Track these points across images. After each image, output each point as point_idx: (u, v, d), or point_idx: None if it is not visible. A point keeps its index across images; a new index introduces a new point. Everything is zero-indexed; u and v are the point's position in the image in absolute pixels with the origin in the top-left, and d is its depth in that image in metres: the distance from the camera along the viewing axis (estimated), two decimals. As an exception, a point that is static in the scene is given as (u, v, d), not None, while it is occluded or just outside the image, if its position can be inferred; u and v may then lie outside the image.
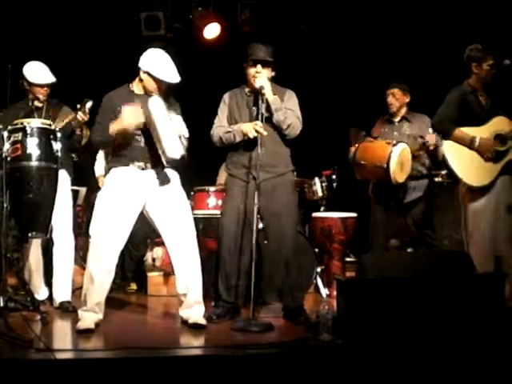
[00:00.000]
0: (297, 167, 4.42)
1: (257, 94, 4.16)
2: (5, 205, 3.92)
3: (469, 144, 4.37)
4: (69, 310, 4.46)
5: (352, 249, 6.04)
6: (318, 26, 6.95)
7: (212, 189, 5.47)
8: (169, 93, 4.11)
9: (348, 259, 5.95)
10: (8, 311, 3.86)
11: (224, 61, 6.48)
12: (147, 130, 3.95)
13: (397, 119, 5.14)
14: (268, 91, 4.13)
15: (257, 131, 4.06)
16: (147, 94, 4.02)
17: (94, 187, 6.24)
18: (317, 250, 5.47)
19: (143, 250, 5.54)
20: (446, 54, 5.82)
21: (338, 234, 5.39)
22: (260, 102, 4.09)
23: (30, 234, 4.11)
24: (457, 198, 4.61)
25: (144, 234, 5.30)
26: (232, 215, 4.23)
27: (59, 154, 4.10)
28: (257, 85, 4.13)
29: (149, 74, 3.99)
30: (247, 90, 4.30)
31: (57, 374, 3.10)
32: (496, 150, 4.35)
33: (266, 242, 4.47)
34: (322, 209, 5.85)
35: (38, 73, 4.50)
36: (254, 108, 4.21)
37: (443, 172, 5.31)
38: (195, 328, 3.94)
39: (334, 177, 5.84)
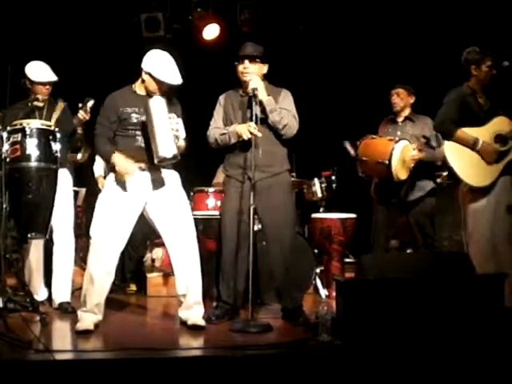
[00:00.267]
0: (296, 168, 4.42)
1: (250, 95, 4.16)
2: (4, 205, 3.92)
3: (471, 145, 4.36)
4: (68, 310, 4.46)
5: (351, 249, 6.04)
6: (318, 26, 6.95)
7: (211, 189, 5.47)
8: (171, 94, 4.11)
9: (347, 260, 5.95)
10: (7, 312, 3.86)
11: (223, 61, 6.48)
12: (146, 130, 3.95)
13: (400, 119, 5.14)
14: (262, 92, 4.12)
15: (251, 133, 4.06)
16: (149, 95, 4.02)
17: (93, 188, 6.25)
18: (316, 250, 5.47)
19: (142, 251, 5.54)
20: (447, 56, 5.81)
21: (337, 234, 5.39)
22: (254, 103, 4.09)
23: (29, 235, 4.11)
24: (457, 199, 4.61)
25: (143, 235, 5.30)
26: (230, 216, 4.23)
27: (58, 154, 4.10)
28: (250, 87, 4.12)
29: (150, 75, 3.99)
30: (241, 91, 4.30)
31: (56, 374, 3.10)
32: (497, 150, 4.35)
33: (264, 242, 4.47)
34: (321, 210, 5.86)
35: (40, 71, 4.52)
36: (249, 109, 4.21)
37: (444, 173, 5.32)
38: (194, 329, 3.94)
39: (333, 178, 5.83)
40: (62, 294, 4.55)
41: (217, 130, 4.29)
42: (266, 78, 4.28)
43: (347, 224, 5.43)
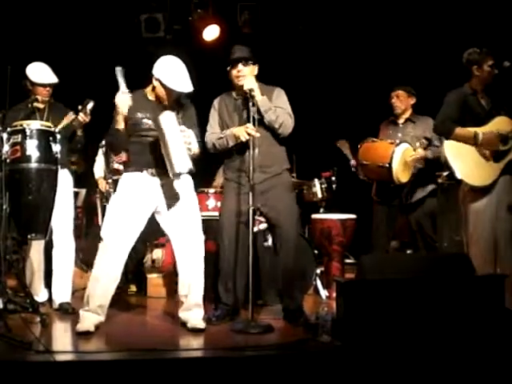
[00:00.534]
0: (296, 169, 4.42)
1: (246, 97, 4.15)
2: (4, 206, 3.92)
3: (472, 140, 4.32)
4: (68, 311, 4.46)
5: (351, 250, 6.04)
6: (317, 27, 6.95)
7: (211, 190, 5.48)
8: (183, 98, 4.09)
9: (347, 261, 5.96)
10: (7, 313, 3.86)
11: (223, 62, 6.49)
12: (158, 143, 3.96)
13: (401, 121, 5.13)
14: (257, 93, 4.13)
15: (249, 134, 4.06)
16: (160, 101, 4.03)
17: (93, 189, 6.25)
18: (316, 251, 5.47)
19: (142, 251, 5.54)
20: (448, 56, 5.81)
21: (337, 235, 5.39)
22: (250, 104, 4.09)
23: (29, 236, 4.11)
24: (458, 199, 4.60)
25: (143, 236, 5.28)
26: (229, 217, 4.24)
27: (59, 155, 4.10)
28: (245, 88, 4.12)
29: (160, 82, 3.98)
30: (234, 93, 4.30)
31: (56, 375, 3.10)
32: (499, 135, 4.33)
33: (264, 243, 4.47)
34: (321, 210, 5.85)
35: (40, 73, 4.52)
36: (245, 111, 4.21)
37: (445, 174, 5.32)
38: (194, 331, 3.94)
39: (333, 178, 5.84)
40: (62, 294, 4.55)
41: (213, 135, 4.30)
42: (260, 77, 4.28)
43: (347, 225, 5.43)
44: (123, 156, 5.04)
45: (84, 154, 6.06)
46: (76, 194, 5.85)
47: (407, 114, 5.12)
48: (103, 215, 5.96)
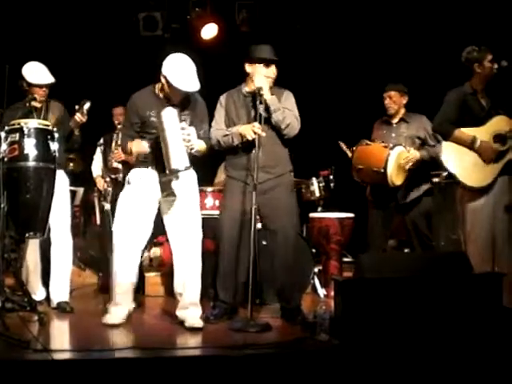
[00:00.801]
0: (294, 167, 4.42)
1: (254, 94, 4.16)
2: (2, 205, 3.91)
3: (470, 144, 4.34)
4: (66, 310, 4.45)
5: (349, 249, 6.04)
6: (315, 26, 6.95)
7: (209, 189, 5.47)
8: (194, 94, 4.08)
9: (345, 259, 5.96)
10: (5, 312, 3.85)
11: (222, 61, 6.49)
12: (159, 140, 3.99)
13: (395, 121, 5.12)
14: (266, 91, 4.13)
15: (255, 132, 4.06)
16: (167, 98, 4.03)
17: (91, 188, 6.25)
18: (314, 250, 5.47)
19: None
20: (443, 55, 5.83)
21: (335, 234, 5.40)
22: (258, 102, 4.09)
23: (27, 235, 4.11)
24: (455, 198, 4.60)
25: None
26: (231, 216, 4.23)
27: (56, 154, 4.10)
28: (256, 85, 4.13)
29: (166, 80, 3.98)
30: (246, 90, 4.29)
31: (54, 374, 3.10)
32: (496, 150, 4.34)
33: (264, 242, 4.46)
34: (319, 209, 5.85)
35: (37, 73, 4.50)
36: (253, 109, 4.21)
37: (444, 173, 5.32)
38: (192, 330, 3.94)
39: (331, 177, 5.83)
40: (60, 293, 4.55)
41: (219, 131, 4.27)
42: None
43: (345, 223, 5.43)
44: (122, 155, 5.04)
45: (81, 152, 6.08)
46: (74, 193, 5.85)
47: (400, 114, 5.09)
48: (101, 214, 5.97)
